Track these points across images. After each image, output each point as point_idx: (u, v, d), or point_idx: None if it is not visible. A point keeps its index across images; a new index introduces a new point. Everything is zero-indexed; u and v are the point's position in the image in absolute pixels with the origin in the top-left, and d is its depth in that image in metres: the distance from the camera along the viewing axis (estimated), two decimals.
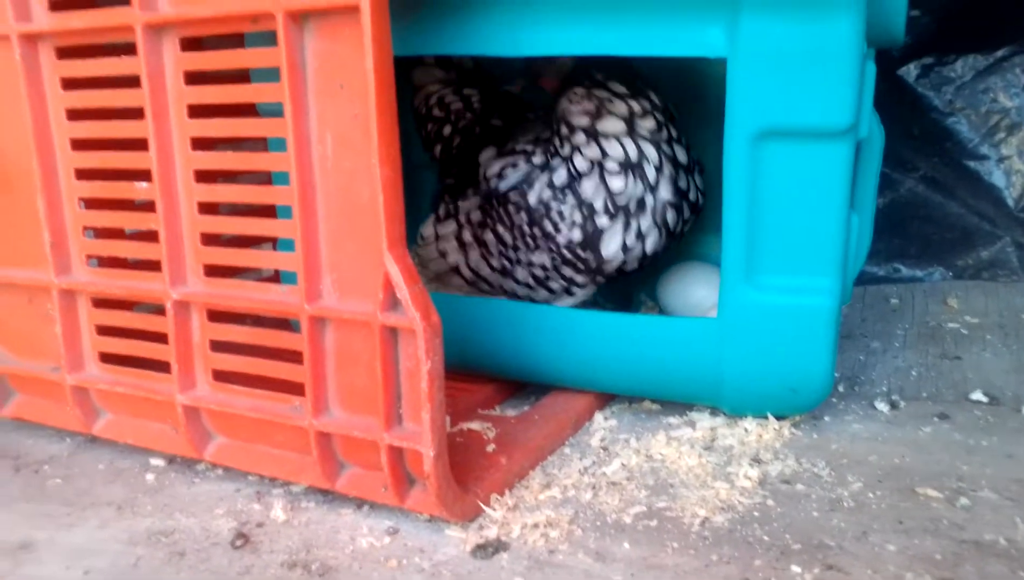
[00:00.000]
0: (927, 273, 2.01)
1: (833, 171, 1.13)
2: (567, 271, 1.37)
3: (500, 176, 1.42)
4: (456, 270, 1.51)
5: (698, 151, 1.47)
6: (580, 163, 1.33)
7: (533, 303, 1.42)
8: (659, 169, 1.32)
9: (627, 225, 1.32)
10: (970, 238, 1.97)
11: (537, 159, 1.39)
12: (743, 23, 1.10)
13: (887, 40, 1.24)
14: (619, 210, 1.31)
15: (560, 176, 1.35)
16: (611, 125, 1.32)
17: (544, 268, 1.39)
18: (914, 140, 1.99)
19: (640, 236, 1.33)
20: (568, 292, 1.41)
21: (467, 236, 1.48)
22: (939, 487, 1.09)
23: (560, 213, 1.34)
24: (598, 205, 1.32)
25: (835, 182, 1.13)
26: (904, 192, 2.01)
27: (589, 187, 1.32)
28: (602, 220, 1.32)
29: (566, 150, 1.34)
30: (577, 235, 1.33)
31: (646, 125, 1.33)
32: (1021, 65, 1.95)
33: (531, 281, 1.42)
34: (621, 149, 1.31)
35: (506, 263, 1.43)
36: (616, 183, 1.31)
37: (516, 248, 1.40)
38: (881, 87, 1.20)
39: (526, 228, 1.38)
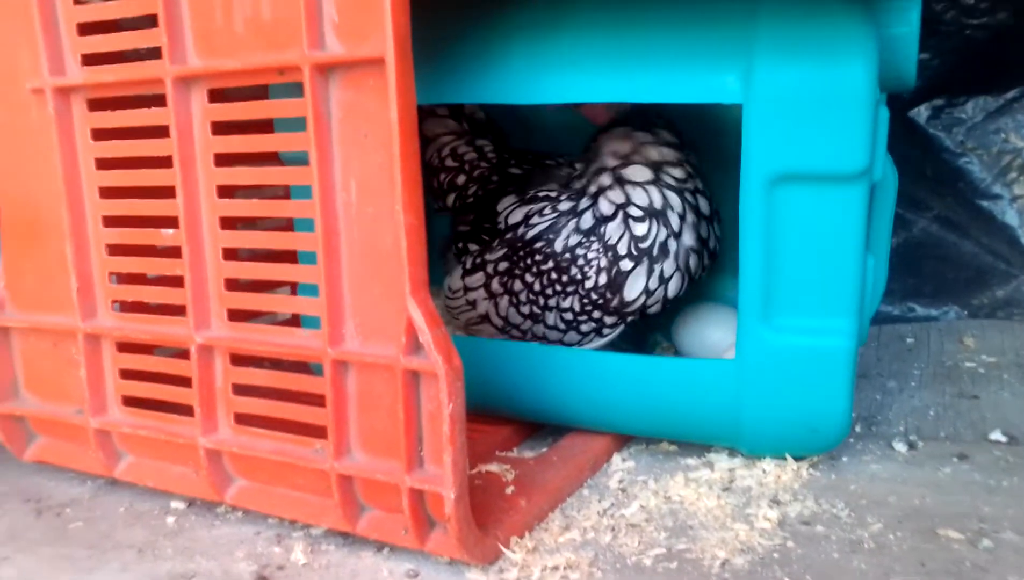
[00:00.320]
0: (942, 312, 2.01)
1: (848, 213, 1.14)
2: (596, 313, 1.39)
3: (526, 224, 1.44)
4: (486, 318, 1.51)
5: (715, 194, 1.49)
6: (605, 206, 1.35)
7: (549, 345, 1.43)
8: (683, 217, 1.35)
9: (650, 270, 1.34)
10: (985, 277, 1.98)
11: (563, 205, 1.41)
12: (757, 70, 1.12)
13: (899, 84, 1.26)
14: (643, 254, 1.33)
15: (586, 220, 1.37)
16: (638, 172, 1.35)
17: (574, 312, 1.40)
18: (927, 180, 2.00)
19: (663, 280, 1.35)
20: (599, 333, 1.42)
21: (495, 286, 1.48)
22: (960, 529, 1.09)
23: (587, 258, 1.36)
24: (622, 249, 1.34)
25: (850, 224, 1.15)
26: (917, 232, 2.02)
27: (614, 230, 1.35)
28: (626, 264, 1.34)
29: (592, 189, 1.37)
30: (603, 279, 1.35)
31: (675, 174, 1.36)
32: None
33: (561, 325, 1.43)
34: (645, 196, 1.33)
35: (535, 309, 1.44)
36: (639, 228, 1.33)
37: (545, 294, 1.42)
38: (892, 128, 1.22)
39: (554, 275, 1.39)
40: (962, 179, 1.99)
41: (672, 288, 1.36)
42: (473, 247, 1.54)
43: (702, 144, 1.58)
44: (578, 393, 1.35)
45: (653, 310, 1.39)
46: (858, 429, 1.43)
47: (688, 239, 1.35)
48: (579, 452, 1.33)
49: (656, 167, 1.35)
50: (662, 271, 1.34)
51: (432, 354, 0.99)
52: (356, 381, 1.08)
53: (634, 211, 1.34)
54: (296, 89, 1.05)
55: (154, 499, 1.31)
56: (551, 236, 1.40)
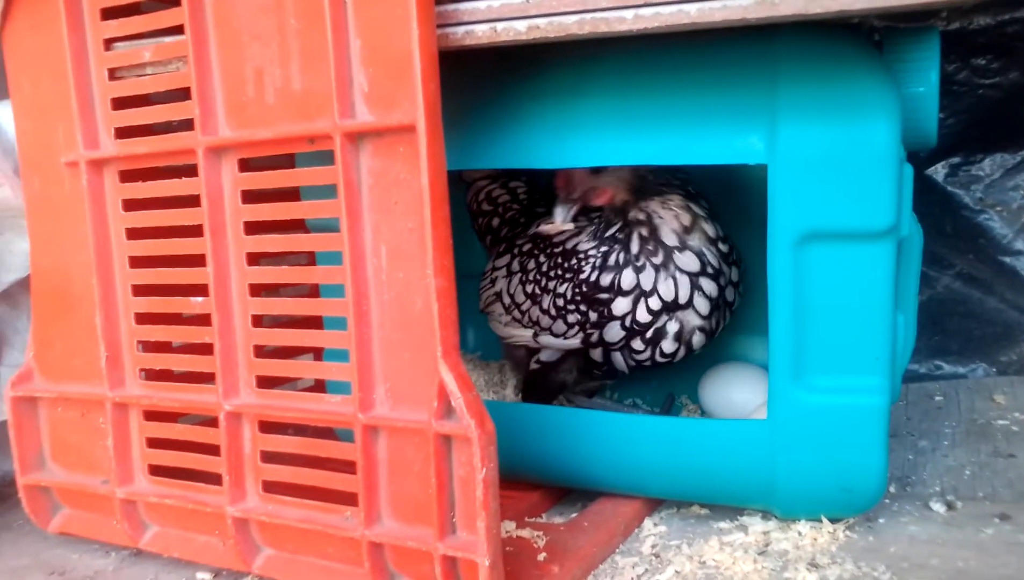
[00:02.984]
0: (970, 370, 1.98)
1: (877, 271, 1.14)
2: (583, 307, 1.43)
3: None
4: (498, 296, 1.60)
5: (742, 252, 1.52)
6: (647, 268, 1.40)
7: (579, 409, 1.42)
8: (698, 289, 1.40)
9: (639, 296, 1.39)
10: (1011, 333, 1.95)
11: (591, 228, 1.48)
12: (781, 130, 1.13)
13: (920, 142, 1.27)
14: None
15: (606, 234, 1.44)
16: (696, 241, 1.41)
17: (565, 299, 1.45)
18: (947, 237, 2.00)
19: (652, 312, 1.39)
20: (582, 328, 1.44)
21: (515, 265, 1.58)
22: None
23: (587, 253, 1.43)
24: (624, 258, 1.41)
25: (879, 281, 1.14)
26: (941, 289, 2.01)
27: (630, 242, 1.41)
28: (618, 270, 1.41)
29: (634, 249, 1.40)
30: (594, 276, 1.41)
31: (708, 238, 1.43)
32: None
33: (552, 310, 1.47)
34: (696, 260, 1.40)
35: (537, 289, 1.51)
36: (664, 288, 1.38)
37: (548, 276, 1.49)
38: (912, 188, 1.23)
39: (559, 260, 1.48)
40: (983, 236, 1.99)
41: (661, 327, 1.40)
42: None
43: (727, 202, 1.60)
44: (608, 456, 1.33)
45: (640, 352, 1.41)
46: (892, 490, 1.40)
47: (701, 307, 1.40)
48: (610, 517, 1.31)
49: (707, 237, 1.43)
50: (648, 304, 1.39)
51: (465, 418, 0.98)
52: (387, 446, 1.08)
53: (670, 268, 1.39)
54: (323, 157, 1.07)
55: (180, 570, 1.29)
56: (570, 237, 1.48)
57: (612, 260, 1.40)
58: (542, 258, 1.51)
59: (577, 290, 1.43)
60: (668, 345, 1.41)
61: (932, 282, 2.00)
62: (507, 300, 1.58)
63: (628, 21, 0.98)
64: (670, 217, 1.40)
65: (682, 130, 1.20)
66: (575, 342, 1.45)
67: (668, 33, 1.14)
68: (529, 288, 1.53)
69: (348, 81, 1.04)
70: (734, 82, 1.19)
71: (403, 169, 1.02)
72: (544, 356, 1.53)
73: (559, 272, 1.47)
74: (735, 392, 1.57)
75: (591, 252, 1.43)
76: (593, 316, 1.42)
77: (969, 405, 1.79)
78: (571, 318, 1.45)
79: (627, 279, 1.39)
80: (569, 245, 1.47)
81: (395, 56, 1.00)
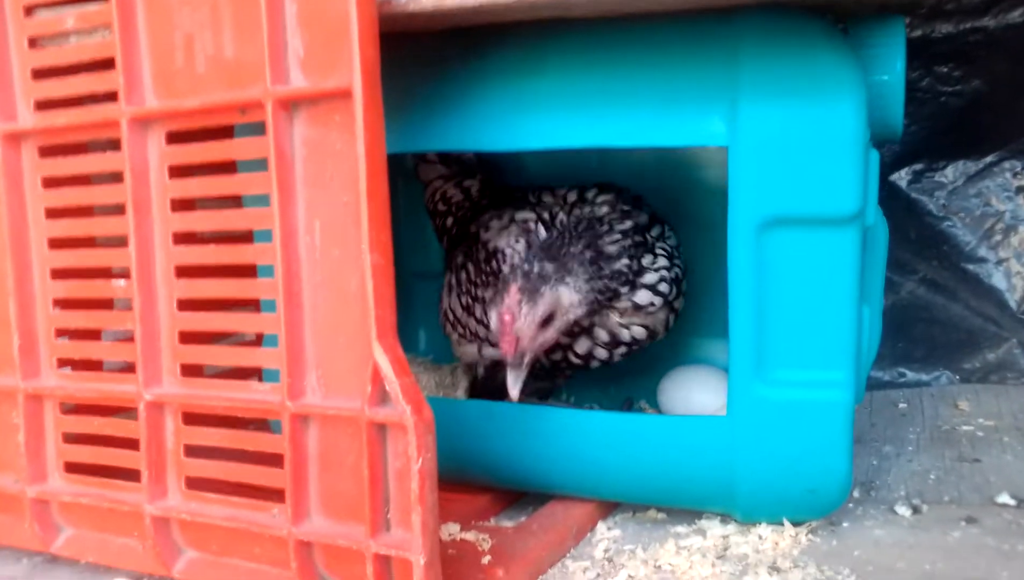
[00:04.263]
0: (933, 377, 1.95)
1: (842, 258, 1.09)
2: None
3: (485, 227, 1.44)
4: (445, 315, 1.51)
5: (692, 254, 1.47)
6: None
7: (530, 406, 1.35)
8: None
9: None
10: (975, 340, 1.92)
11: (520, 214, 1.39)
12: (742, 111, 1.08)
13: (885, 132, 1.23)
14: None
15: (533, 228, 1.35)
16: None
17: (479, 302, 1.38)
18: (911, 244, 1.97)
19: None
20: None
21: (452, 279, 1.50)
22: None
23: (505, 253, 1.34)
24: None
25: (844, 270, 1.09)
26: (905, 294, 1.98)
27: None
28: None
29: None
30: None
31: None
32: (1011, 169, 1.96)
33: (485, 319, 1.38)
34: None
35: (469, 300, 1.42)
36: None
37: (475, 284, 1.40)
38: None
39: (483, 265, 1.39)
40: (947, 242, 1.97)
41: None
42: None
43: (681, 203, 1.56)
44: (559, 456, 1.26)
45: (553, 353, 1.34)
46: (856, 494, 1.35)
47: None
48: (561, 520, 1.24)
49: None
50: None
51: (400, 404, 0.91)
52: (318, 438, 1.00)
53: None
54: (259, 130, 1.00)
55: (96, 576, 1.19)
56: (495, 236, 1.39)
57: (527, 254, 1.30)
58: (471, 267, 1.43)
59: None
60: (580, 346, 1.34)
61: (896, 288, 1.97)
62: (450, 315, 1.50)
63: None
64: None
65: (640, 111, 1.15)
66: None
67: (629, 11, 1.10)
68: (464, 300, 1.45)
69: (282, 46, 0.97)
70: (695, 63, 1.14)
71: (339, 139, 0.95)
72: (487, 359, 1.46)
73: (483, 277, 1.39)
74: (694, 394, 1.51)
75: (506, 250, 1.35)
76: None
77: (933, 412, 1.75)
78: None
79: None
80: (491, 245, 1.39)
81: (332, 19, 0.93)
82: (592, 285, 1.25)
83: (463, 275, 1.45)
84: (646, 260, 1.32)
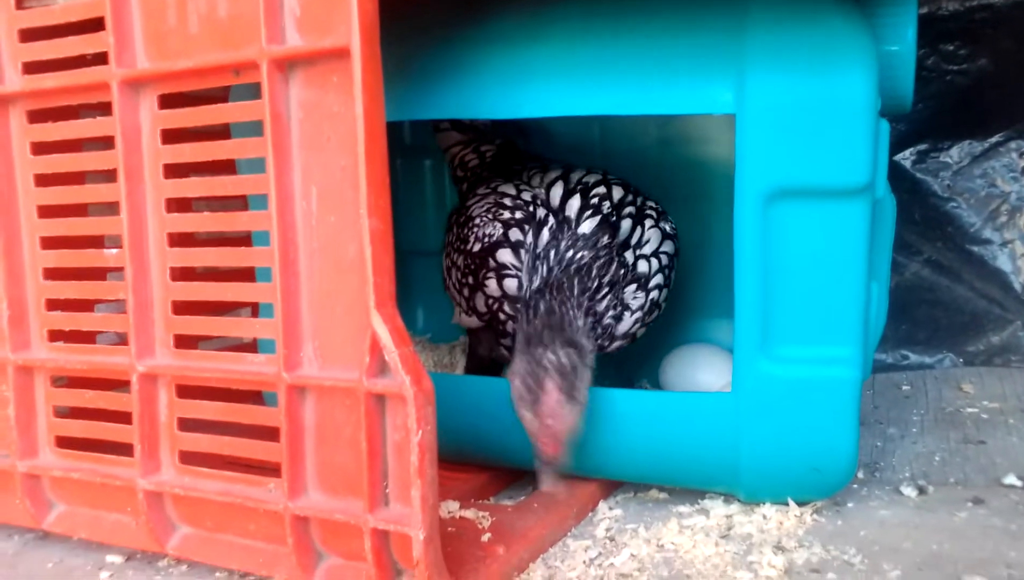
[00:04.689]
0: (937, 359, 1.93)
1: (851, 231, 1.06)
2: (470, 279, 1.33)
3: (474, 193, 1.42)
4: (444, 283, 1.48)
5: (694, 231, 1.44)
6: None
7: None
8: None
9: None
10: (979, 322, 1.90)
11: (502, 187, 1.36)
12: (750, 79, 1.06)
13: (896, 104, 1.21)
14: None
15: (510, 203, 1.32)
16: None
17: (459, 270, 1.36)
18: (916, 225, 1.95)
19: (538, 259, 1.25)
20: (473, 310, 1.35)
21: (446, 241, 1.47)
22: (988, 575, 0.98)
23: (478, 228, 1.31)
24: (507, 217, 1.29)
25: (853, 243, 1.07)
26: (909, 275, 1.95)
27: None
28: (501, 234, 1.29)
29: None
30: (477, 248, 1.30)
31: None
32: (1017, 150, 1.93)
33: (456, 285, 1.38)
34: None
35: (448, 262, 1.41)
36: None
37: (453, 249, 1.39)
38: None
39: (455, 230, 1.39)
40: (951, 223, 1.94)
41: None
42: None
43: (685, 180, 1.53)
44: None
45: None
46: (861, 475, 1.32)
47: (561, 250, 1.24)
48: (562, 499, 1.21)
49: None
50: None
51: (399, 374, 0.88)
52: (314, 410, 0.97)
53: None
54: (256, 93, 0.97)
55: (88, 553, 1.17)
56: (474, 205, 1.37)
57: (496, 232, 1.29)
58: (454, 229, 1.41)
59: (469, 261, 1.33)
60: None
61: (900, 269, 1.95)
62: (448, 282, 1.46)
63: None
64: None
65: (645, 78, 1.12)
66: (479, 303, 1.34)
67: None
68: (445, 261, 1.43)
69: (278, 4, 0.94)
70: (700, 28, 1.11)
71: (336, 101, 0.92)
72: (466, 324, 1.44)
73: (457, 243, 1.37)
74: (697, 373, 1.49)
75: (477, 221, 1.32)
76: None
77: (937, 394, 1.73)
78: (466, 291, 1.35)
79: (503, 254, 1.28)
80: (471, 211, 1.36)
81: None
82: (593, 345, 1.20)
83: (449, 236, 1.44)
84: (628, 293, 1.26)
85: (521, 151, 1.60)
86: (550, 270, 1.21)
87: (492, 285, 1.28)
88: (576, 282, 1.19)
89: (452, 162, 1.63)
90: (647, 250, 1.27)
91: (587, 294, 1.20)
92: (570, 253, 1.22)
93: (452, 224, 1.45)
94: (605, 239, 1.23)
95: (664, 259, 1.29)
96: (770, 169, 1.06)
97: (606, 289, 1.22)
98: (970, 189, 1.95)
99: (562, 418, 1.10)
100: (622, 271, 1.24)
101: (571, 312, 1.17)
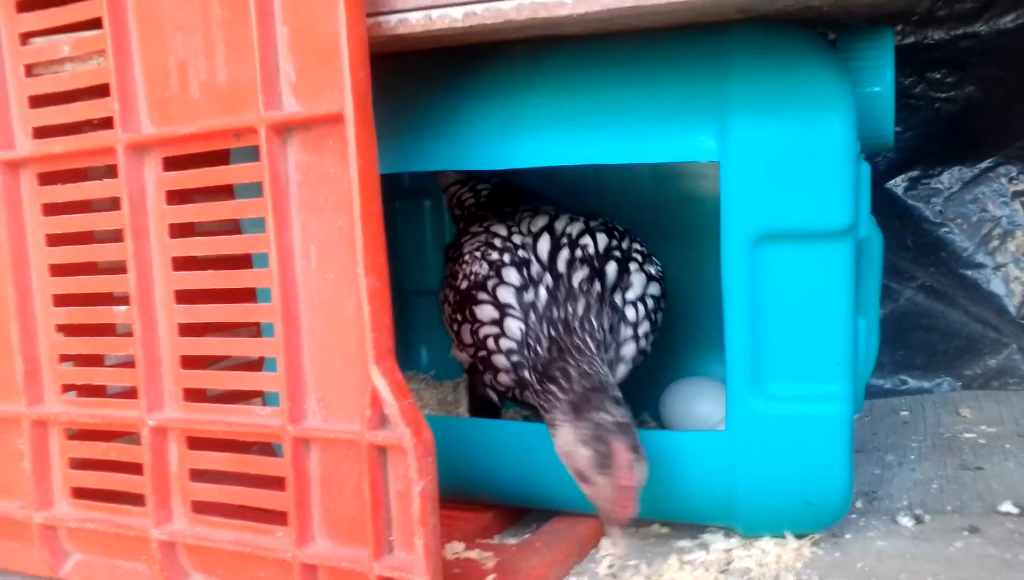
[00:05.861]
0: (935, 384, 1.95)
1: (836, 272, 1.09)
2: (459, 315, 1.35)
3: (468, 232, 1.44)
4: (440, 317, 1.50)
5: (689, 266, 1.47)
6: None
7: (532, 423, 1.35)
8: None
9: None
10: (976, 346, 1.92)
11: (495, 227, 1.38)
12: (733, 127, 1.09)
13: (877, 143, 1.24)
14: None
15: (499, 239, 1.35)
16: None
17: (450, 305, 1.38)
18: (909, 251, 1.98)
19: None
20: (462, 345, 1.37)
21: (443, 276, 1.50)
22: None
23: (467, 265, 1.34)
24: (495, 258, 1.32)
25: (838, 283, 1.09)
26: (904, 302, 1.98)
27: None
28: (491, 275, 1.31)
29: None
30: (464, 285, 1.32)
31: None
32: (1006, 175, 1.96)
33: (448, 319, 1.40)
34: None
35: (442, 296, 1.44)
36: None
37: (446, 284, 1.41)
38: (871, 199, 1.19)
39: (449, 265, 1.42)
40: (944, 249, 1.97)
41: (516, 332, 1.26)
42: None
43: (676, 214, 1.56)
44: (562, 473, 1.26)
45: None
46: (859, 505, 1.35)
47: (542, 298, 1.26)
48: (564, 537, 1.24)
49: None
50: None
51: (399, 427, 0.91)
52: (319, 461, 1.00)
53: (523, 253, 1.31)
54: (254, 155, 1.01)
55: None
56: (466, 242, 1.39)
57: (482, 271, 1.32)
58: (449, 265, 1.43)
59: (457, 295, 1.35)
60: (503, 377, 1.30)
61: (895, 295, 1.97)
62: (443, 316, 1.47)
63: (568, 6, 0.93)
64: None
65: (632, 128, 1.15)
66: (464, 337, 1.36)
67: (616, 28, 1.11)
68: (440, 296, 1.46)
69: (275, 71, 0.98)
70: (684, 79, 1.15)
71: (333, 163, 0.96)
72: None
73: (449, 279, 1.40)
74: (696, 406, 1.52)
75: (467, 257, 1.34)
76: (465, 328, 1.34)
77: (935, 419, 1.75)
78: (455, 326, 1.38)
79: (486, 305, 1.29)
80: (464, 247, 1.38)
81: (323, 44, 0.95)
82: None
83: (445, 270, 1.46)
84: (621, 337, 1.28)
85: (516, 188, 1.63)
86: (559, 332, 1.22)
87: (481, 315, 1.29)
88: (589, 339, 1.21)
89: (451, 201, 1.67)
90: (631, 295, 1.30)
91: (601, 347, 1.22)
92: (570, 308, 1.24)
93: (448, 258, 1.48)
94: (597, 288, 1.26)
95: (651, 303, 1.32)
96: (754, 214, 1.09)
97: (608, 336, 1.25)
98: (962, 214, 1.98)
99: (636, 476, 1.09)
100: (616, 316, 1.27)
101: (602, 369, 1.18)
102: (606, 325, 1.24)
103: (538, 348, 1.22)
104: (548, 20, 0.96)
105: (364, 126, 0.92)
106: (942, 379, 1.95)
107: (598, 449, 1.09)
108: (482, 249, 1.34)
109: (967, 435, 1.64)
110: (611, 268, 1.29)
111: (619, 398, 1.15)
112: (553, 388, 1.17)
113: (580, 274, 1.26)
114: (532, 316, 1.25)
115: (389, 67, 1.02)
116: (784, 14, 1.08)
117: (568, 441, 1.12)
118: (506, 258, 1.30)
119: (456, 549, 1.19)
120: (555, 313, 1.23)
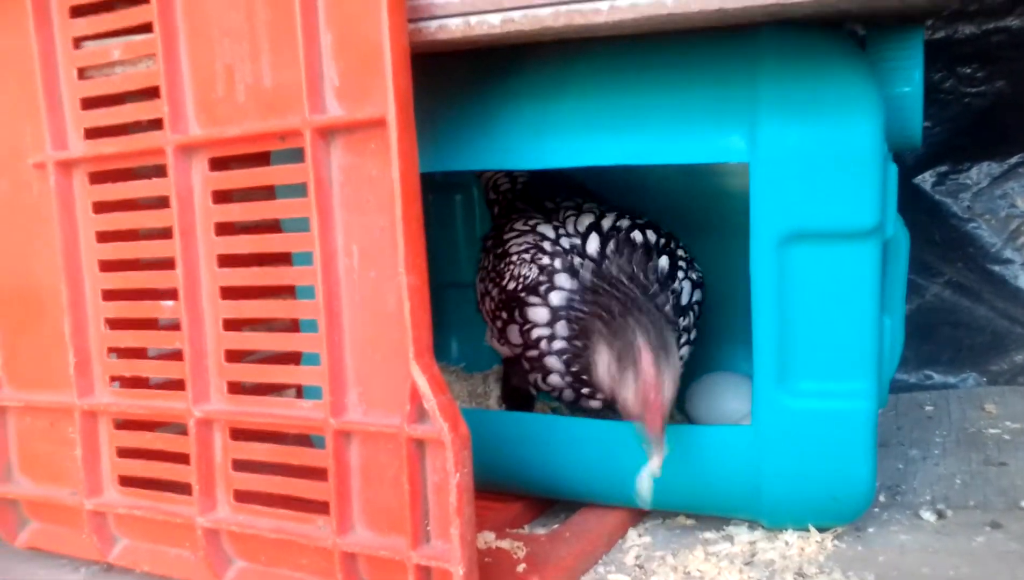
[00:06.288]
0: (960, 379, 1.96)
1: (862, 272, 1.11)
2: (504, 314, 1.39)
3: (512, 228, 1.47)
4: (477, 306, 1.55)
5: (720, 261, 1.48)
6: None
7: (561, 416, 1.39)
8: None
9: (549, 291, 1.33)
10: (1001, 342, 1.93)
11: (541, 227, 1.41)
12: (762, 128, 1.11)
13: (905, 143, 1.25)
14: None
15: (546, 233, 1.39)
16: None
17: (493, 301, 1.42)
18: (936, 246, 1.98)
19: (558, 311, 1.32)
20: (506, 342, 1.40)
21: (481, 261, 1.55)
22: None
23: (515, 266, 1.37)
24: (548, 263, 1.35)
25: (865, 283, 1.12)
26: (931, 297, 1.99)
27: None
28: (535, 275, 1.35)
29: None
30: (512, 286, 1.36)
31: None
32: None
33: (490, 314, 1.45)
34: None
35: (482, 288, 1.49)
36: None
37: (488, 278, 1.46)
38: (899, 195, 1.21)
39: (491, 259, 1.46)
40: (972, 244, 1.98)
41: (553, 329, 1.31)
42: None
43: (706, 211, 1.58)
44: (590, 465, 1.30)
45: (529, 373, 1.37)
46: (882, 499, 1.37)
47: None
48: (593, 527, 1.27)
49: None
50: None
51: (437, 421, 0.95)
52: (359, 453, 1.04)
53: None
54: (297, 156, 1.05)
55: None
56: (511, 241, 1.42)
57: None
58: (490, 257, 1.47)
59: (502, 292, 1.39)
60: (554, 378, 1.35)
61: (921, 290, 1.98)
62: (481, 307, 1.52)
63: (604, 13, 0.96)
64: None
65: (663, 129, 1.18)
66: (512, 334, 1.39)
67: (648, 31, 1.13)
68: (479, 286, 1.50)
69: (319, 76, 1.02)
70: (715, 80, 1.17)
71: (375, 166, 0.99)
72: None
73: (490, 273, 1.43)
74: (723, 401, 1.54)
75: (514, 258, 1.38)
76: (504, 315, 1.38)
77: (960, 414, 1.76)
78: (498, 324, 1.42)
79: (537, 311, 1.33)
80: (509, 246, 1.41)
81: (366, 49, 0.98)
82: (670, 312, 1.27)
83: (484, 261, 1.51)
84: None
85: (552, 174, 1.65)
86: (601, 285, 1.28)
87: (531, 317, 1.33)
88: (632, 272, 1.28)
89: (486, 185, 1.71)
90: (683, 301, 1.33)
91: (645, 274, 1.28)
92: (615, 269, 1.29)
93: (487, 249, 1.51)
94: (650, 264, 1.30)
95: (697, 310, 1.36)
96: (783, 214, 1.12)
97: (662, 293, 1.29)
98: (990, 210, 1.98)
99: (661, 385, 1.12)
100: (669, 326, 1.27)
101: (633, 286, 1.24)
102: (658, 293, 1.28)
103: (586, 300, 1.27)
104: (583, 27, 0.99)
105: (406, 130, 0.96)
106: (967, 374, 1.96)
107: (621, 360, 1.17)
108: (531, 252, 1.36)
109: (991, 431, 1.65)
110: (663, 260, 1.33)
111: (648, 308, 1.21)
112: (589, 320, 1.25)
113: (631, 269, 1.30)
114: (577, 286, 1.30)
115: (424, 67, 1.05)
116: (813, 16, 1.09)
117: (597, 360, 1.22)
118: (557, 264, 1.33)
119: (488, 539, 1.22)
120: (600, 277, 1.28)
